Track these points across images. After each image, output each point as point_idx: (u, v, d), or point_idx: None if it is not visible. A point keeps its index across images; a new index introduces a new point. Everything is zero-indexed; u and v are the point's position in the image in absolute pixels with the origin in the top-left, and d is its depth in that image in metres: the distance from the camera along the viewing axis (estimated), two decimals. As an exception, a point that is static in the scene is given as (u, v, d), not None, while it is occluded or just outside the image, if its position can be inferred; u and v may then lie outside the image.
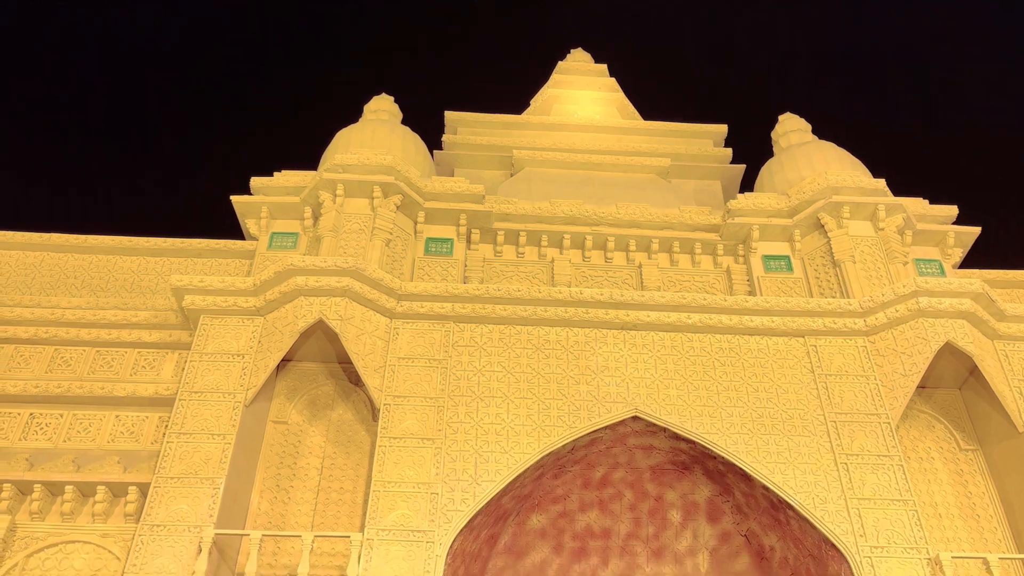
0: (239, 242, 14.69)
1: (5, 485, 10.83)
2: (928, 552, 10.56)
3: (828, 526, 10.84)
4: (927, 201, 14.99)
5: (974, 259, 15.55)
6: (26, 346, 12.45)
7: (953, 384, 13.01)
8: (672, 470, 12.58)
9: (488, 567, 12.44)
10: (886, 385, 12.04)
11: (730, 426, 11.74)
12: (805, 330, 12.61)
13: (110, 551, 10.63)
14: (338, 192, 14.13)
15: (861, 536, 10.73)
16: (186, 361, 12.10)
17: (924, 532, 10.77)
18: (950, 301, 12.22)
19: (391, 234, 13.96)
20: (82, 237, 14.47)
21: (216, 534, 10.33)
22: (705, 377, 12.26)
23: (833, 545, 10.78)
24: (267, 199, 14.64)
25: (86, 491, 11.01)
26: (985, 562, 10.65)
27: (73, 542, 10.71)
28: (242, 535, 10.81)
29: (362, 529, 10.82)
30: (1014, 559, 11.04)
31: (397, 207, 14.26)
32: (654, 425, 11.88)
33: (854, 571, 10.48)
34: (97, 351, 12.46)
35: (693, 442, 11.76)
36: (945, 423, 12.83)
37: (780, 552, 11.94)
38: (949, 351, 12.19)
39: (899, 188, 15.88)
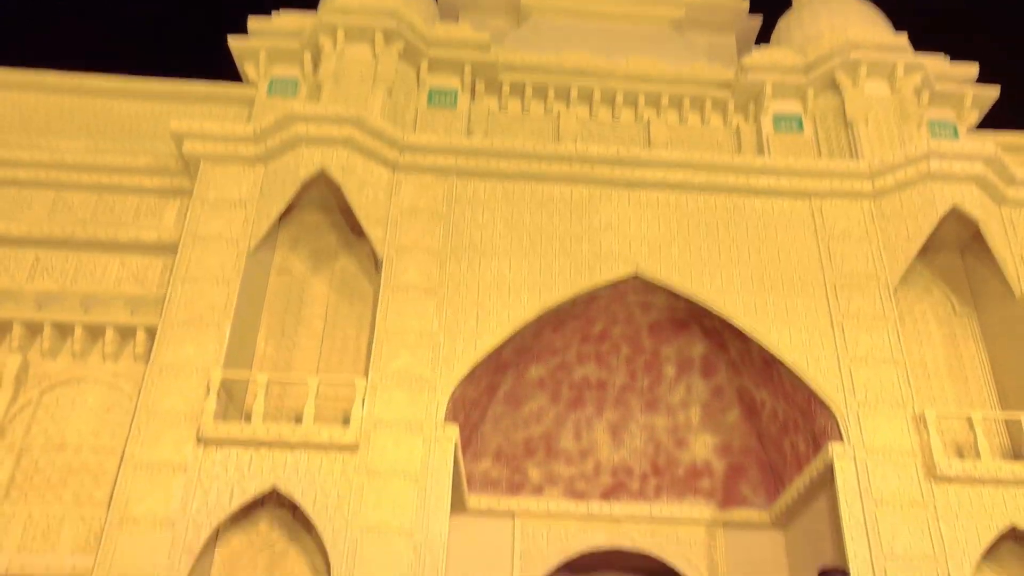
0: (239, 86, 14.27)
1: (15, 325, 11.04)
2: (914, 409, 10.91)
3: (819, 383, 11.14)
4: (947, 59, 14.45)
5: (989, 121, 15.17)
6: (28, 189, 12.36)
7: (954, 249, 13.02)
8: (669, 326, 12.80)
9: (488, 414, 12.90)
10: (888, 248, 12.05)
11: (730, 286, 11.85)
12: (811, 191, 12.50)
13: (121, 390, 10.96)
14: (338, 37, 13.61)
15: (850, 393, 11.06)
16: (188, 208, 12.04)
17: (912, 391, 11.08)
18: (961, 164, 12.04)
19: (393, 83, 13.52)
20: (78, 77, 14.02)
21: (224, 376, 10.63)
22: (708, 238, 12.26)
23: (822, 401, 11.12)
24: (265, 42, 14.10)
25: (95, 332, 11.24)
26: (969, 420, 11.02)
27: (85, 380, 11.03)
28: (249, 378, 11.13)
29: (366, 375, 11.11)
30: (997, 417, 11.42)
31: (400, 54, 13.77)
32: (654, 284, 11.98)
33: (840, 426, 10.86)
34: (99, 196, 12.37)
35: (692, 301, 11.90)
36: (943, 287, 12.94)
37: (770, 407, 12.34)
38: (954, 215, 12.13)
39: (919, 43, 15.19)
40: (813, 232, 12.30)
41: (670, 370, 13.11)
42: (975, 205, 11.97)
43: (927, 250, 12.51)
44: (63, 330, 11.19)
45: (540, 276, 11.79)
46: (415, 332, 11.26)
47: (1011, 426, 11.55)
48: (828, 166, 12.50)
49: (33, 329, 11.15)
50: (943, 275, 13.00)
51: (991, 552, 10.48)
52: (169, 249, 11.74)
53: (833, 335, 11.47)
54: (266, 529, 10.71)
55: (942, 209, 11.87)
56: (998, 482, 10.41)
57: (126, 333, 11.25)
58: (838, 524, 10.42)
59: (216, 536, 10.38)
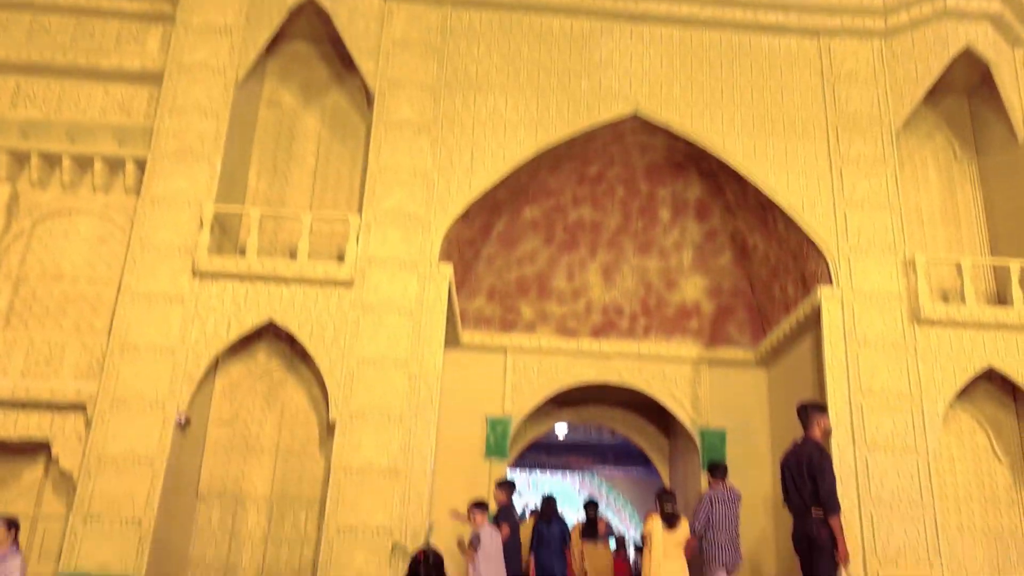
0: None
1: (2, 153, 10.80)
2: (905, 254, 10.99)
3: (813, 227, 11.16)
4: None
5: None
6: (1, 12, 11.74)
7: (962, 92, 12.69)
8: (666, 169, 12.66)
9: (482, 254, 12.97)
10: (895, 91, 11.74)
11: (730, 128, 11.61)
12: (821, 29, 12.01)
13: (114, 221, 10.88)
14: None
15: (843, 238, 11.09)
16: (171, 35, 11.51)
17: (905, 236, 11.12)
18: (979, 1, 11.53)
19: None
20: None
21: (216, 210, 10.57)
22: (711, 77, 11.89)
23: (814, 245, 11.18)
24: None
25: (83, 164, 11.01)
26: (958, 265, 11.13)
27: (77, 212, 10.94)
28: (242, 213, 11.08)
29: (359, 212, 11.06)
30: (985, 263, 11.53)
31: None
32: (653, 124, 11.74)
33: (831, 270, 10.97)
34: (77, 20, 11.70)
35: (691, 142, 11.71)
36: (946, 131, 12.72)
37: (762, 250, 12.41)
38: (965, 57, 11.73)
39: None
40: (819, 73, 11.93)
41: (665, 213, 13.07)
42: (988, 46, 11.55)
43: (933, 93, 12.16)
44: (51, 160, 10.96)
45: (537, 114, 11.51)
46: (408, 170, 11.12)
47: (999, 271, 11.68)
48: (840, 2, 11.97)
49: (20, 159, 10.91)
50: (947, 119, 12.74)
51: (967, 392, 10.87)
52: (154, 78, 11.31)
53: (831, 179, 11.37)
54: (264, 359, 11.01)
55: (954, 49, 11.46)
56: (980, 325, 10.63)
57: (115, 165, 11.03)
58: (820, 364, 10.74)
59: (216, 365, 10.69)
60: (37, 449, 10.05)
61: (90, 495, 9.34)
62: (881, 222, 11.14)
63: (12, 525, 7.22)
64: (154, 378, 9.82)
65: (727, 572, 9.14)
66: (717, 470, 9.63)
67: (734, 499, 9.39)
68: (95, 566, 9.07)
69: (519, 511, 15.91)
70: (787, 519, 8.10)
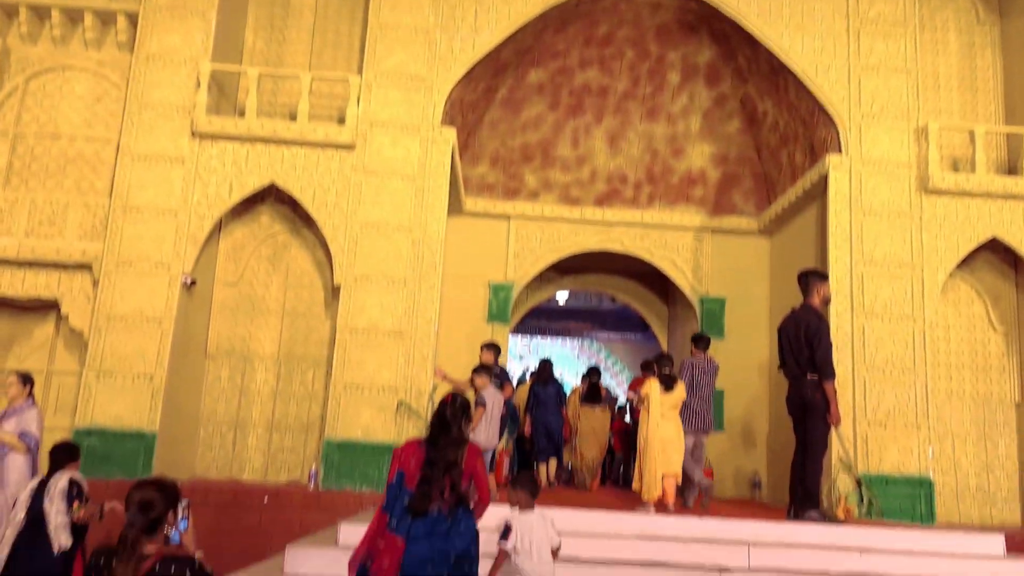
0: None
1: (-13, 5, 10.42)
2: (918, 121, 10.75)
3: (825, 93, 10.86)
4: None
5: None
6: None
7: (992, -50, 12.09)
8: (677, 30, 12.19)
9: (485, 119, 12.70)
10: (921, -53, 11.16)
11: (745, -14, 11.11)
12: None
13: (108, 79, 10.59)
14: None
15: (856, 104, 10.81)
16: None
17: (919, 103, 10.83)
18: None
19: None
20: None
21: (213, 69, 10.27)
22: (727, -71, 11.26)
23: (826, 112, 10.91)
24: None
25: (73, 17, 10.59)
26: (970, 133, 10.90)
27: (71, 68, 10.63)
28: (240, 72, 10.78)
29: (360, 73, 10.76)
30: (999, 131, 11.28)
31: None
32: (665, -19, 11.23)
33: (840, 136, 10.76)
34: None
35: (703, 1, 11.22)
36: (971, -9, 12.21)
37: (772, 116, 12.14)
38: (999, -89, 11.10)
39: None
40: (841, -73, 11.28)
41: (674, 77, 12.70)
42: (1024, -102, 10.90)
43: (962, -49, 11.58)
44: (40, 13, 10.54)
45: (544, -32, 10.99)
46: (410, 28, 10.73)
47: (1011, 140, 11.46)
48: None
49: (8, 11, 10.48)
50: (973, -22, 12.19)
51: (967, 262, 10.90)
52: (141, -75, 10.75)
53: (847, 42, 10.96)
54: (268, 222, 11.01)
55: (988, -99, 10.82)
56: (988, 195, 10.52)
57: (106, 19, 10.60)
58: (824, 233, 10.71)
59: (220, 227, 10.69)
60: (47, 308, 10.20)
61: (101, 352, 9.56)
62: (896, 87, 10.82)
63: (27, 380, 7.42)
64: (158, 239, 9.85)
65: (695, 435, 9.38)
66: (700, 341, 9.79)
67: (712, 370, 9.59)
68: (110, 419, 9.40)
69: (520, 374, 16.33)
70: (781, 384, 8.30)
